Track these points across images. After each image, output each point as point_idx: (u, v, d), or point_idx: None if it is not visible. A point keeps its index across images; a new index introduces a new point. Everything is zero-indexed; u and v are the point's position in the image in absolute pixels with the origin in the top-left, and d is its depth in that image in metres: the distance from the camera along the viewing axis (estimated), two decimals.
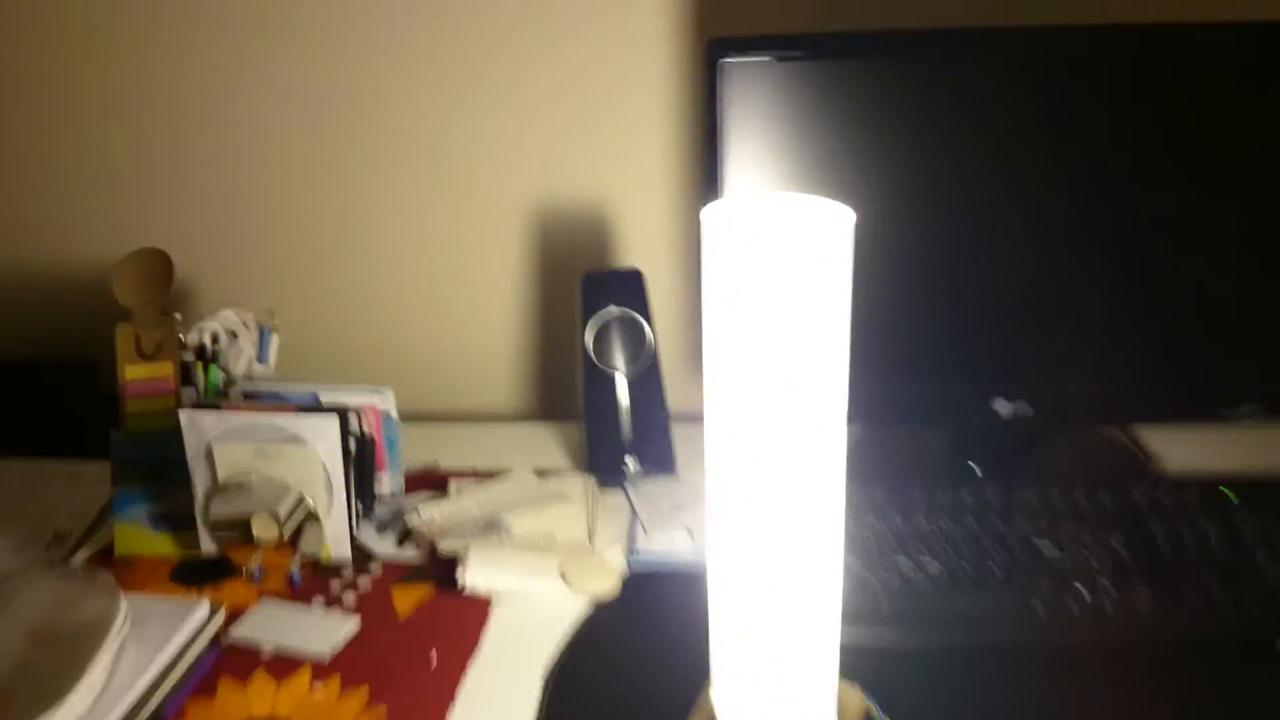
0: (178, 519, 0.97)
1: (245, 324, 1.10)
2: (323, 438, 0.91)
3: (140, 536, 0.98)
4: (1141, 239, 0.96)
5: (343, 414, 0.92)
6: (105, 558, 0.99)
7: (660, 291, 1.14)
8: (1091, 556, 0.89)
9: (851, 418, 1.13)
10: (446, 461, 1.12)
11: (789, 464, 0.58)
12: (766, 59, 0.92)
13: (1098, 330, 0.99)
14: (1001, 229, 0.97)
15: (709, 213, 0.54)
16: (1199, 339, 0.99)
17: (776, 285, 0.53)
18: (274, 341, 1.10)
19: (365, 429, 1.00)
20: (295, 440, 0.91)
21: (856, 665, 0.69)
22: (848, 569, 0.88)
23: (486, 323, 1.23)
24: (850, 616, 0.83)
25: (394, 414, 1.02)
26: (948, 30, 0.94)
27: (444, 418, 1.25)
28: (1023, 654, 0.82)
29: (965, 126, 0.94)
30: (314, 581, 0.95)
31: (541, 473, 1.07)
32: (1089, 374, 1.01)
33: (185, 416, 0.91)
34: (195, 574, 0.95)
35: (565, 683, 0.82)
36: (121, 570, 0.96)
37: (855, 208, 0.53)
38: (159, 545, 0.98)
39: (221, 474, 0.92)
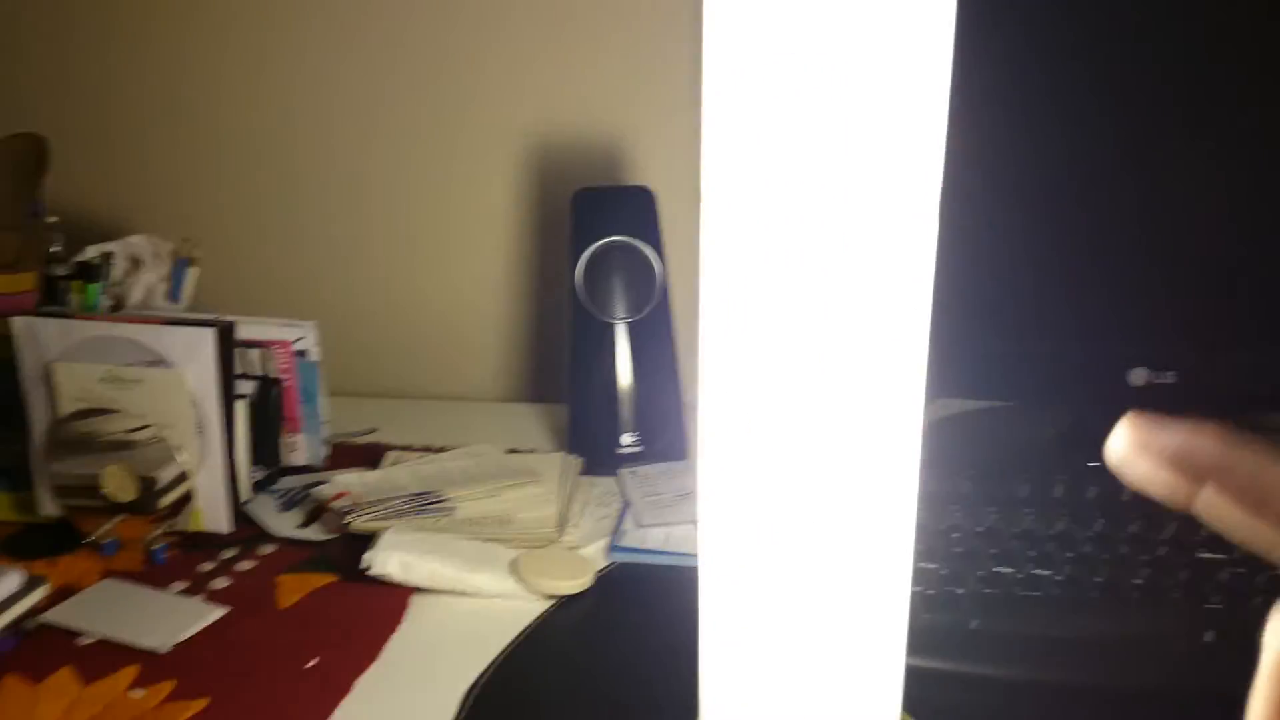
0: (20, 472, 0.73)
1: (157, 253, 0.88)
2: (194, 360, 0.67)
3: None
4: None
5: (223, 328, 0.68)
6: None
7: (676, 222, 0.88)
8: None
9: (937, 390, 0.85)
10: (393, 437, 0.86)
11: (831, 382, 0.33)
12: None
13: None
14: (1142, 137, 0.71)
15: None
16: None
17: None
18: (191, 276, 0.87)
19: (272, 370, 0.76)
20: (158, 362, 0.67)
21: (932, 699, 0.46)
22: (922, 574, 0.61)
23: (463, 282, 0.98)
24: (926, 637, 0.57)
25: (314, 354, 0.78)
26: None
27: (402, 396, 1.00)
28: (1185, 698, 0.54)
29: (1104, 22, 0.69)
30: (183, 561, 0.70)
31: (511, 451, 0.82)
32: (1258, 338, 0.73)
33: (21, 325, 0.68)
34: (32, 546, 0.71)
35: (493, 700, 0.56)
36: None
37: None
38: None
39: (64, 404, 0.68)
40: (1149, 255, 0.72)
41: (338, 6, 0.94)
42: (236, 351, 0.76)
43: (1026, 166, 0.71)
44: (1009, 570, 0.62)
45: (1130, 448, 0.26)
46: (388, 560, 0.64)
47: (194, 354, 0.67)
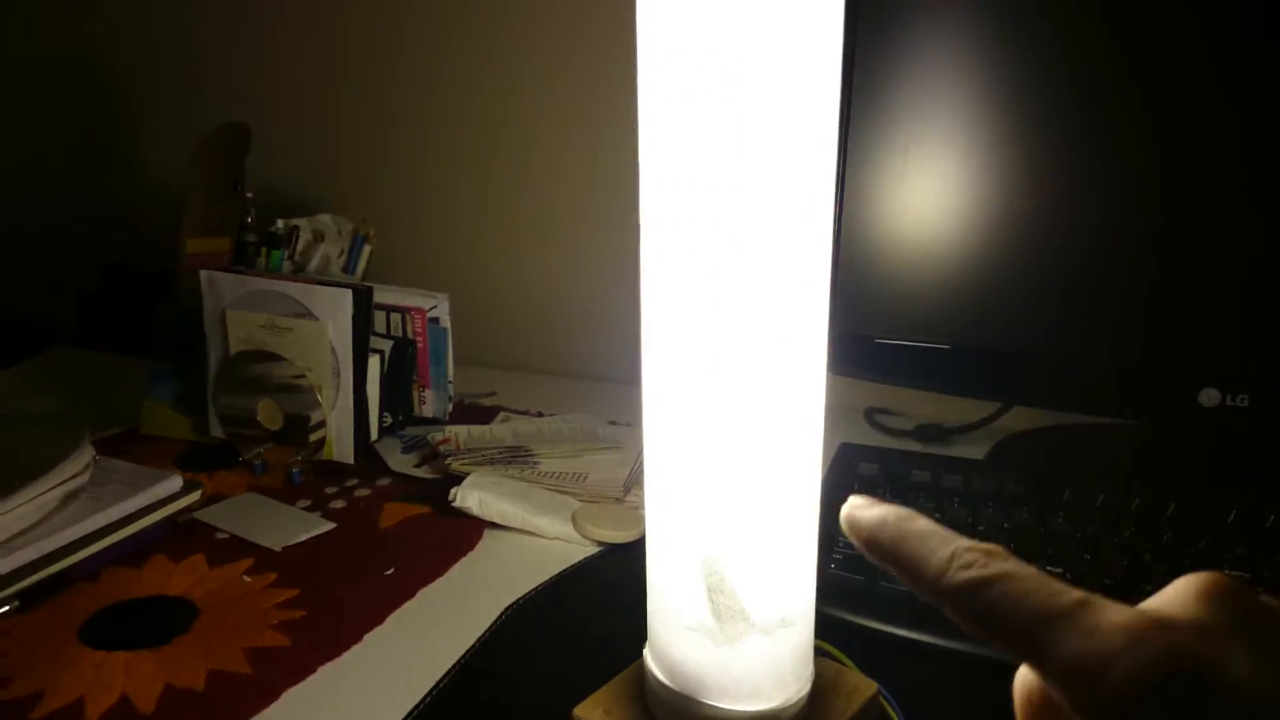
0: (199, 400, 0.88)
1: (339, 230, 1.02)
2: (335, 315, 0.80)
3: (163, 416, 0.90)
4: None
5: (359, 291, 0.80)
6: (132, 435, 0.92)
7: None
8: None
9: (1010, 402, 0.86)
10: (511, 402, 0.97)
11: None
12: None
13: None
14: (1225, 152, 0.71)
15: None
16: None
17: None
18: (365, 251, 1.01)
19: (409, 332, 0.88)
20: (307, 315, 0.80)
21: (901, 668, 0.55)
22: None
23: (590, 271, 1.08)
24: (904, 608, 0.60)
25: (445, 321, 0.89)
26: None
27: (527, 369, 1.10)
28: None
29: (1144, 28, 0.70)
30: (314, 484, 0.82)
31: (613, 423, 0.90)
32: None
33: (205, 277, 0.83)
34: (200, 460, 0.86)
35: (526, 617, 0.64)
36: (138, 448, 0.88)
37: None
38: (178, 427, 0.89)
39: (233, 345, 0.83)
40: (1225, 269, 0.71)
41: (498, 34, 1.06)
42: (379, 314, 0.88)
43: (1105, 173, 0.72)
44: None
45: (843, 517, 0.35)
46: (468, 496, 0.74)
47: (335, 310, 0.80)
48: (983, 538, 0.66)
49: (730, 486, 0.42)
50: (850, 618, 0.62)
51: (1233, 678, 0.25)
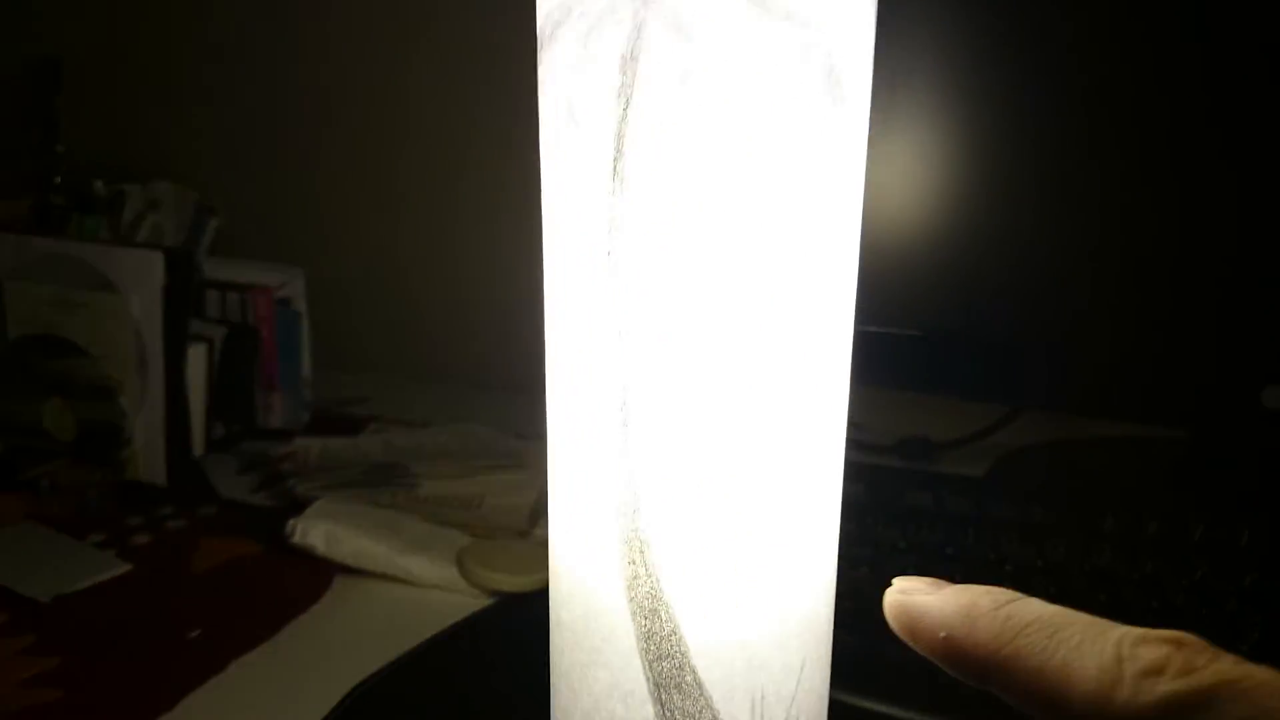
0: None
1: (180, 200, 0.83)
2: (140, 286, 0.60)
3: None
4: None
5: (176, 255, 0.60)
6: None
7: None
8: None
9: (1005, 404, 0.72)
10: (393, 411, 0.77)
11: None
12: None
13: None
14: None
15: None
16: None
17: None
18: (209, 229, 0.81)
19: (250, 317, 0.68)
20: (105, 286, 0.60)
21: None
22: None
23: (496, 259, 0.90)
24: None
25: (298, 304, 0.70)
26: None
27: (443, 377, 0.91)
28: None
29: None
30: (115, 511, 0.62)
31: (520, 436, 0.71)
32: None
33: None
34: None
35: (374, 708, 0.45)
36: None
37: None
38: None
39: (12, 328, 0.63)
40: None
41: None
42: (212, 294, 0.69)
43: (1156, 168, 0.57)
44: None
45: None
46: (311, 529, 0.55)
47: (141, 280, 0.60)
48: (1013, 579, 0.49)
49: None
50: (843, 698, 0.44)
51: None
